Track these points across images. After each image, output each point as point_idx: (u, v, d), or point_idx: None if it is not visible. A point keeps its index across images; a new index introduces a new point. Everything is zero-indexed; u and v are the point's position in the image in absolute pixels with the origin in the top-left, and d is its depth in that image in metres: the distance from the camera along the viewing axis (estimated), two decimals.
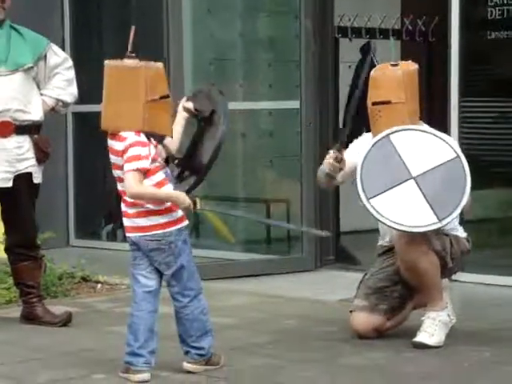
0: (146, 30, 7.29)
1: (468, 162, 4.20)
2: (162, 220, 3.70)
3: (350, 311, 4.40)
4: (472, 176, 4.07)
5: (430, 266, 4.17)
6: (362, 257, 6.27)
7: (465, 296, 5.15)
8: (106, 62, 3.69)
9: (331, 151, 4.23)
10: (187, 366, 3.83)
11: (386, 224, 4.04)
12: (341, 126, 6.88)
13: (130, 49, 3.65)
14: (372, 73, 4.34)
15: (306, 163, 6.18)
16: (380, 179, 4.07)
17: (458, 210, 4.02)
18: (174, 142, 3.79)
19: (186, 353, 3.83)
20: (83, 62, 7.40)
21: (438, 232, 4.23)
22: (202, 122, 3.84)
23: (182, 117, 3.85)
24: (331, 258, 6.40)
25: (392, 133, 4.14)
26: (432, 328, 4.21)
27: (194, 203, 3.72)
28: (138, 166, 3.61)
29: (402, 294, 4.36)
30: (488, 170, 5.98)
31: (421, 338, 4.20)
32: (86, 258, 5.95)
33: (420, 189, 4.04)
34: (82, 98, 7.37)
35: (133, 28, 3.73)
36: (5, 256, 4.99)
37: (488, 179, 5.94)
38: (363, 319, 4.33)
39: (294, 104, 6.15)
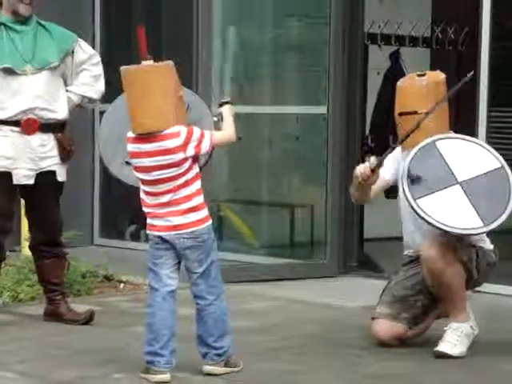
0: (176, 32, 7.33)
1: None
2: (198, 217, 3.73)
3: (372, 318, 4.39)
4: None
5: (456, 277, 4.14)
6: (385, 264, 6.25)
7: (488, 307, 5.12)
8: (125, 67, 3.69)
9: (372, 158, 4.22)
10: (207, 368, 3.83)
11: (433, 224, 4.03)
12: (367, 132, 6.87)
13: (145, 51, 3.71)
14: (398, 83, 4.35)
15: (332, 169, 6.17)
16: (425, 182, 4.08)
17: (504, 217, 4.03)
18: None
19: (205, 355, 3.83)
20: (113, 61, 7.45)
21: (465, 243, 4.22)
22: None
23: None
24: (354, 265, 6.39)
25: (438, 139, 4.16)
26: (454, 338, 4.19)
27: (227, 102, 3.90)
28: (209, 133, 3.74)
29: (425, 303, 4.34)
30: None
31: (443, 347, 4.18)
32: (109, 257, 5.97)
33: (466, 194, 4.06)
34: (110, 98, 7.47)
35: (141, 29, 3.76)
36: (29, 253, 5.03)
37: None
38: (385, 327, 4.32)
39: (322, 109, 6.15)
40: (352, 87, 6.23)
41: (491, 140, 5.64)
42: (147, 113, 3.64)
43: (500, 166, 4.11)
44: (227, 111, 3.87)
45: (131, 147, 3.73)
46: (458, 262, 4.16)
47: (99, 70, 4.77)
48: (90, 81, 4.73)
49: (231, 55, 6.50)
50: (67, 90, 4.69)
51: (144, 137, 3.68)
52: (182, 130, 3.68)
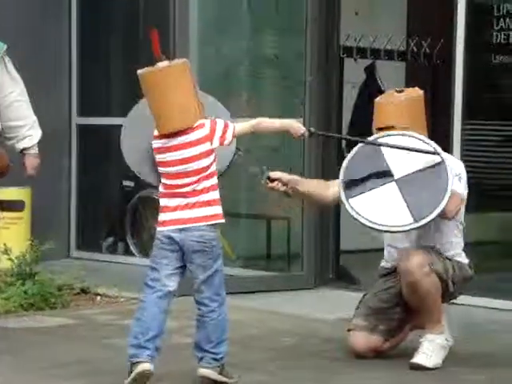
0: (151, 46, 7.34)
1: (470, 184, 4.22)
2: (213, 211, 3.76)
3: (348, 330, 4.41)
4: (474, 198, 4.10)
5: (431, 288, 4.18)
6: (361, 276, 6.27)
7: (464, 319, 5.15)
8: (142, 71, 3.74)
9: (262, 180, 4.28)
10: (203, 370, 3.82)
11: (362, 223, 4.07)
12: (343, 145, 6.91)
13: (159, 52, 3.79)
14: (377, 99, 4.40)
15: None
16: (363, 180, 4.13)
17: (436, 212, 4.02)
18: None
19: (201, 359, 3.83)
20: (90, 73, 7.45)
21: (441, 256, 4.25)
22: None
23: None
24: (331, 277, 6.41)
25: (379, 137, 4.19)
26: (430, 350, 4.21)
27: (309, 131, 3.98)
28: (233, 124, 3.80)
29: (402, 316, 4.37)
30: (490, 192, 5.99)
31: (418, 359, 4.21)
32: (86, 270, 5.96)
33: (400, 191, 4.08)
34: (85, 111, 7.48)
35: (154, 31, 3.84)
36: (5, 266, 5.01)
37: (490, 202, 5.96)
38: (362, 339, 4.34)
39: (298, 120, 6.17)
40: (328, 100, 6.27)
41: (465, 153, 5.69)
42: (173, 112, 3.71)
43: (440, 160, 4.10)
44: (287, 120, 4.00)
45: (157, 143, 3.78)
46: (434, 274, 4.19)
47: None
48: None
49: (208, 68, 6.52)
50: None
51: (172, 132, 3.74)
52: (206, 122, 3.77)
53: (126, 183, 7.30)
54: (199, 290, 3.82)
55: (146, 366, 3.72)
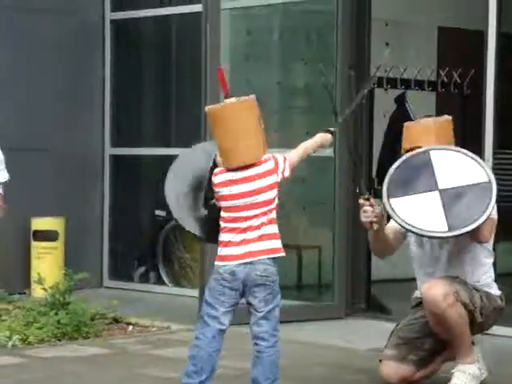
0: (184, 76, 7.43)
1: (500, 212, 4.22)
2: (274, 245, 3.82)
3: (380, 360, 4.40)
4: (505, 228, 4.09)
5: (458, 318, 4.16)
6: (392, 306, 6.26)
7: (498, 349, 5.11)
8: (211, 107, 3.87)
9: (360, 200, 4.31)
10: None
11: (398, 222, 4.12)
12: (374, 174, 6.91)
13: (227, 91, 3.90)
14: (406, 123, 4.46)
15: (339, 210, 6.21)
16: (407, 184, 4.18)
17: (470, 227, 4.03)
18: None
19: None
20: (123, 104, 7.54)
21: (467, 286, 4.24)
22: None
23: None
24: (362, 307, 6.40)
25: (433, 149, 4.24)
26: (462, 381, 4.19)
27: (332, 133, 4.07)
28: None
29: (433, 346, 4.35)
30: None
31: None
32: (118, 299, 6.00)
33: (442, 201, 4.10)
34: (119, 141, 7.56)
35: (221, 71, 3.99)
36: (39, 296, 5.04)
37: None
38: (393, 369, 4.33)
39: (328, 152, 6.20)
40: (358, 129, 6.29)
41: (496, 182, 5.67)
42: (243, 146, 3.80)
43: (487, 180, 4.14)
44: (317, 135, 4.04)
45: (222, 178, 3.84)
46: (459, 304, 4.18)
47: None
48: None
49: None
50: None
51: (239, 167, 3.82)
52: (270, 156, 3.88)
53: (158, 212, 7.35)
54: (259, 325, 3.82)
55: None
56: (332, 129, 4.11)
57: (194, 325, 5.74)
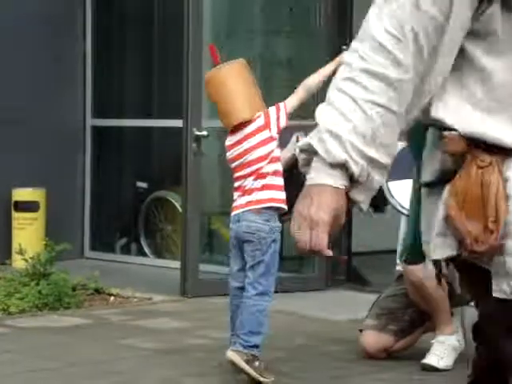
0: (166, 47, 7.39)
1: None
2: (271, 195, 3.95)
3: (360, 330, 4.44)
4: None
5: (437, 289, 4.19)
6: (372, 278, 6.30)
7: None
8: (208, 73, 4.05)
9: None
10: (228, 353, 3.87)
11: (393, 205, 4.20)
12: None
13: (218, 62, 4.02)
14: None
15: None
16: (404, 168, 4.18)
17: None
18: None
19: (233, 343, 3.88)
20: (105, 76, 7.50)
21: None
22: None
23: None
24: (342, 278, 6.43)
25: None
26: (441, 351, 4.24)
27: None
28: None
29: (413, 317, 4.39)
30: None
31: (429, 360, 4.23)
32: (100, 270, 6.01)
33: None
34: (100, 112, 7.53)
35: (212, 47, 4.10)
36: (20, 266, 5.04)
37: None
38: (372, 338, 4.37)
39: (311, 122, 6.20)
40: None
41: None
42: (237, 106, 3.93)
43: None
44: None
45: (227, 142, 4.01)
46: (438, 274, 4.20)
47: None
48: None
49: None
50: None
51: (236, 129, 3.94)
52: (261, 113, 3.96)
53: (140, 184, 7.35)
54: (247, 276, 3.94)
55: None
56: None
57: (176, 296, 5.80)
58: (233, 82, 3.94)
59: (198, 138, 5.74)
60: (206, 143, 5.83)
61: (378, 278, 5.79)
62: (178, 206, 6.81)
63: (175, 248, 6.92)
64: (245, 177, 3.92)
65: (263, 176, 3.91)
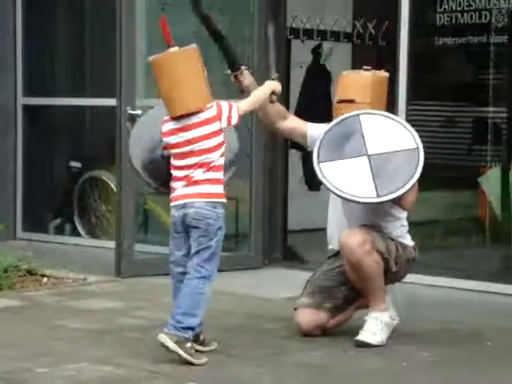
0: (99, 25, 7.29)
1: None
2: (212, 190, 3.92)
3: (295, 308, 4.47)
4: (419, 178, 4.16)
5: (373, 266, 4.24)
6: (308, 256, 6.34)
7: (409, 297, 5.23)
8: (154, 57, 3.88)
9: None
10: (160, 335, 3.86)
11: (327, 187, 4.16)
12: None
13: (170, 39, 3.90)
14: (343, 73, 4.47)
15: (256, 162, 6.23)
16: (337, 149, 4.21)
17: (397, 194, 4.10)
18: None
19: (166, 324, 3.88)
20: (36, 54, 7.38)
21: (384, 236, 4.32)
22: None
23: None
24: (278, 256, 6.47)
25: (363, 113, 4.26)
26: (374, 327, 4.29)
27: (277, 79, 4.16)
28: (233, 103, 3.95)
29: (347, 294, 4.43)
30: (434, 173, 6.08)
31: (363, 336, 4.28)
32: (32, 251, 5.93)
33: (370, 166, 4.14)
34: (32, 91, 7.40)
35: (164, 18, 3.97)
36: None
37: (434, 182, 6.05)
38: (307, 316, 4.40)
39: None
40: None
41: None
42: (186, 95, 3.83)
43: (415, 147, 4.19)
44: (266, 84, 4.10)
45: (167, 127, 3.91)
46: (375, 252, 4.26)
47: None
48: None
49: (155, 49, 6.49)
50: None
51: (180, 115, 3.86)
52: (213, 103, 3.91)
53: (73, 164, 7.27)
54: (191, 259, 3.94)
55: None
56: (274, 75, 4.17)
57: (111, 276, 5.75)
58: (184, 68, 3.83)
59: (131, 117, 5.68)
60: None
61: (314, 255, 5.82)
62: (112, 185, 6.75)
63: (109, 227, 6.87)
64: (192, 167, 3.87)
65: (214, 168, 3.88)
